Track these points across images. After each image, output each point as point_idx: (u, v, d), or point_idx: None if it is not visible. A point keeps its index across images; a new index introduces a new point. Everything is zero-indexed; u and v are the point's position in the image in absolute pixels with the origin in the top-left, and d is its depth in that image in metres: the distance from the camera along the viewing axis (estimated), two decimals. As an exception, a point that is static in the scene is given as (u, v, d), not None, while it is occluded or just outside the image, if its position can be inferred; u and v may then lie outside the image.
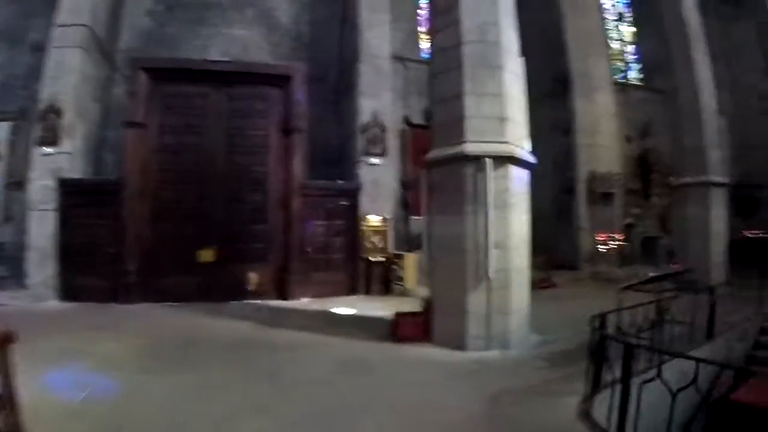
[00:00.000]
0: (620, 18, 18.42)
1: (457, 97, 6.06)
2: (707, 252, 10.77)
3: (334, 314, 8.45)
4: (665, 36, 11.61)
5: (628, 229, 15.17)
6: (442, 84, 6.35)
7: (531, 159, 6.33)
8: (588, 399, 3.98)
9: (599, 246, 13.36)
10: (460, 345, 5.88)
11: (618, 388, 3.51)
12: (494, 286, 5.85)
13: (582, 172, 13.73)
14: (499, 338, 5.91)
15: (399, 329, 6.42)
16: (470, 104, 5.99)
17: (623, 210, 14.88)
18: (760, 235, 15.25)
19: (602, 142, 14.00)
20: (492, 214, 5.79)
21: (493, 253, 5.79)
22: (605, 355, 3.90)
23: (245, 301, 9.22)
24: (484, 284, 5.84)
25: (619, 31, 18.35)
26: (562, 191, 14.13)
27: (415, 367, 5.45)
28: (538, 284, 9.82)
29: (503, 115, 6.00)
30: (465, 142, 5.91)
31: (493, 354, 5.81)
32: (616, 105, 14.96)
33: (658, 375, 3.22)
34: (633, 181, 16.66)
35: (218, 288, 9.24)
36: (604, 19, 16.73)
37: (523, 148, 6.31)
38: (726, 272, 11.01)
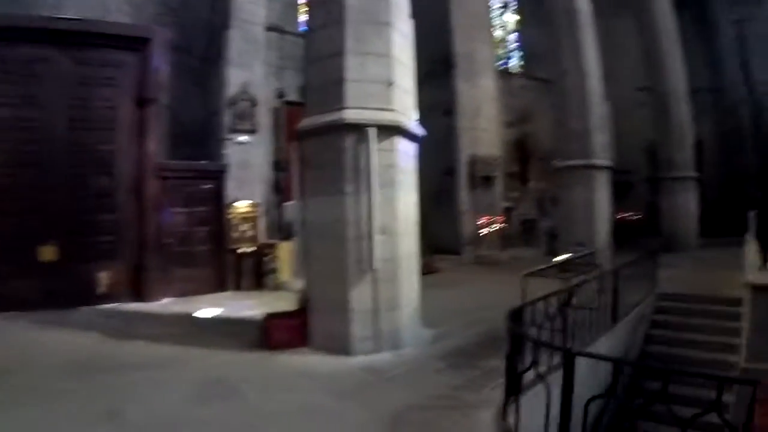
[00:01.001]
0: (505, 6, 18.54)
1: (337, 55, 5.10)
2: (593, 234, 10.86)
3: (198, 318, 7.23)
4: (554, 20, 11.52)
5: (507, 212, 15.34)
6: (319, 41, 5.36)
7: (420, 131, 5.56)
8: (504, 412, 3.26)
9: (481, 229, 13.22)
10: (345, 349, 5.01)
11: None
12: (381, 278, 5.03)
13: (463, 155, 13.47)
14: (390, 338, 5.13)
15: (271, 335, 5.39)
16: (352, 65, 5.05)
17: (503, 193, 14.99)
18: (633, 216, 16.11)
19: (484, 125, 13.83)
20: (376, 194, 4.94)
21: (379, 240, 4.95)
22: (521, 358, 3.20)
23: (97, 307, 7.64)
24: (369, 276, 5.01)
25: (502, 19, 18.46)
26: (442, 174, 13.79)
27: (293, 385, 4.44)
28: (421, 270, 9.48)
29: (390, 80, 5.15)
30: (345, 108, 4.98)
31: (385, 357, 5.01)
32: (497, 90, 14.92)
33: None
34: (512, 165, 16.97)
35: (64, 292, 7.54)
36: (490, 6, 16.66)
37: (412, 119, 5.51)
38: (612, 253, 11.27)
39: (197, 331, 6.38)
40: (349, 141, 4.98)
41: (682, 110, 14.97)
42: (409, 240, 5.41)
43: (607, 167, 11.26)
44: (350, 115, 4.94)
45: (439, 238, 12.76)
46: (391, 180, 5.08)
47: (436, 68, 13.77)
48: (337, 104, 5.02)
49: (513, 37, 18.72)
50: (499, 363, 4.24)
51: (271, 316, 5.58)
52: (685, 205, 14.75)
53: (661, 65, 15.05)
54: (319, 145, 5.25)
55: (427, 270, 10.64)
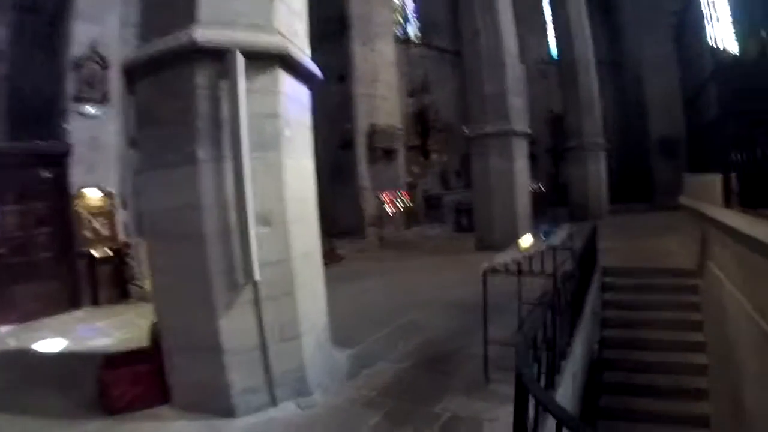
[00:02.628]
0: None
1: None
2: (513, 207, 9.71)
3: (35, 355, 5.08)
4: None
5: (411, 188, 14.07)
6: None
7: (315, 69, 3.74)
8: None
9: (385, 207, 11.74)
10: (222, 407, 3.17)
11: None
12: (266, 294, 3.21)
13: (361, 124, 11.83)
14: (290, 382, 3.36)
15: (110, 393, 3.37)
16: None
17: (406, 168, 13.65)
18: (538, 187, 15.53)
19: (383, 93, 12.28)
20: (250, 159, 3.06)
21: (258, 234, 3.10)
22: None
23: None
24: (248, 293, 3.14)
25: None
26: (338, 147, 12.06)
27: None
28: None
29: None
30: (196, 23, 3.04)
31: (285, 413, 3.24)
32: (396, 57, 13.43)
33: None
34: (412, 139, 15.74)
35: None
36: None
37: (303, 51, 3.67)
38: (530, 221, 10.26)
39: (27, 383, 4.18)
40: (202, 77, 3.07)
41: (591, 77, 14.52)
42: (305, 229, 3.62)
43: (526, 134, 10.15)
44: (205, 35, 3.01)
45: (339, 220, 11.15)
46: (273, 138, 3.23)
47: (330, 29, 11.95)
48: (185, 19, 3.07)
49: (411, 4, 17.43)
50: (464, 400, 3.28)
51: (110, 363, 3.60)
52: (596, 173, 14.29)
53: (570, 33, 14.43)
54: (156, 87, 3.26)
55: (328, 260, 8.97)
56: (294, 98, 3.47)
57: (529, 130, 10.23)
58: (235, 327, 3.12)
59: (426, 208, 15.00)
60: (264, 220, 3.16)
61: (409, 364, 4.02)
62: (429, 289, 6.77)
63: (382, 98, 12.25)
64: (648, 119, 17.60)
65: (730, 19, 8.16)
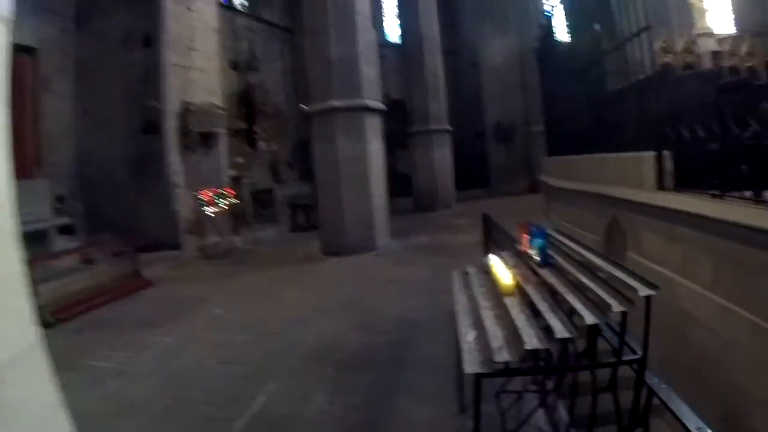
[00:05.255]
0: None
1: None
2: (368, 199, 7.99)
3: None
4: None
5: (235, 182, 11.65)
6: None
7: None
8: None
9: (206, 209, 9.22)
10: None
11: None
12: None
13: (173, 103, 9.05)
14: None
15: None
16: None
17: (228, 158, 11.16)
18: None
19: (201, 64, 9.62)
20: None
21: None
22: None
23: None
24: None
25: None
26: (141, 131, 9.18)
27: None
28: (112, 294, 6.13)
29: None
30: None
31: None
32: (219, 23, 10.83)
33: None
34: (236, 122, 13.26)
35: None
36: None
37: None
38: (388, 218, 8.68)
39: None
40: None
41: (437, 60, 13.57)
42: None
43: (381, 110, 8.46)
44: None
45: (146, 228, 8.43)
46: None
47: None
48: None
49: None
50: None
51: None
52: (442, 159, 13.36)
53: (417, 12, 13.38)
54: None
55: (129, 289, 6.36)
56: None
57: (384, 106, 8.54)
58: None
59: (255, 207, 12.61)
60: None
61: None
62: (276, 326, 4.65)
63: (199, 71, 9.60)
64: (483, 106, 17.45)
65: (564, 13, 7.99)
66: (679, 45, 5.82)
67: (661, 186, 4.49)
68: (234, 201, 10.02)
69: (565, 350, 1.61)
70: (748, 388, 2.43)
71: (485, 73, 17.36)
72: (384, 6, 18.67)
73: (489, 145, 17.46)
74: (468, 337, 1.69)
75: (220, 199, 9.54)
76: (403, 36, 15.01)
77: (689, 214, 3.87)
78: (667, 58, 5.47)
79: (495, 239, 4.05)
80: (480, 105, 17.71)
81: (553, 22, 9.27)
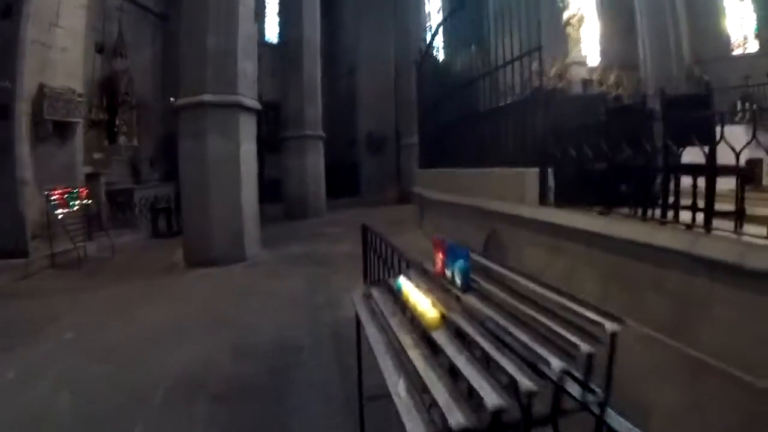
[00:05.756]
0: None
1: None
2: (238, 205, 7.34)
3: None
4: None
5: (92, 180, 10.25)
6: None
7: None
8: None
9: (57, 210, 7.92)
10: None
11: None
12: None
13: (28, 85, 7.73)
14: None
15: None
16: None
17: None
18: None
19: (63, 43, 8.29)
20: None
21: None
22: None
23: None
24: None
25: None
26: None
27: None
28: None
29: None
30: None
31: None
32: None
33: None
34: (96, 112, 11.83)
35: None
36: None
37: None
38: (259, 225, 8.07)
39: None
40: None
41: (316, 63, 13.18)
42: None
43: (256, 110, 7.85)
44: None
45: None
46: None
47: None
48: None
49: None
50: None
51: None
52: (315, 166, 12.99)
53: (301, 11, 12.90)
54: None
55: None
56: None
57: (259, 106, 7.95)
58: None
59: (111, 209, 11.16)
60: None
61: None
62: (137, 352, 3.94)
63: (61, 50, 8.34)
64: (357, 114, 17.44)
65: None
66: (552, 71, 6.20)
67: (543, 201, 4.61)
68: (88, 202, 8.73)
69: (529, 404, 1.36)
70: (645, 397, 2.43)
71: (361, 81, 17.37)
72: (265, 4, 17.94)
73: (360, 154, 17.47)
74: (399, 388, 1.36)
75: (73, 200, 8.23)
76: (281, 36, 14.56)
77: (576, 230, 3.98)
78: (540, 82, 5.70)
79: (377, 253, 3.80)
80: (353, 113, 17.70)
81: (434, 39, 9.57)
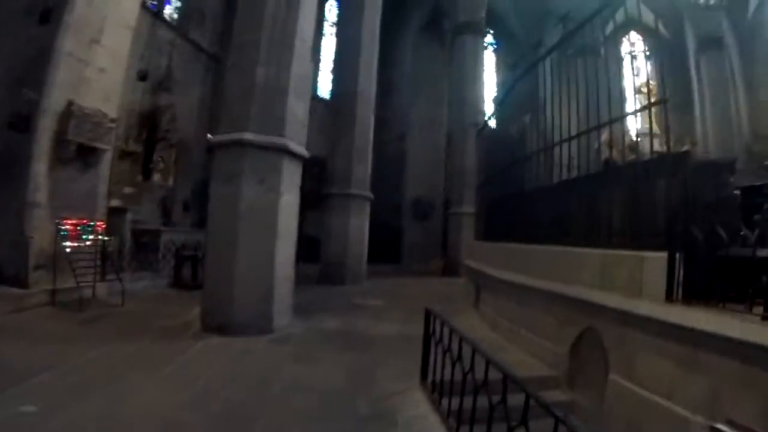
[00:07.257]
0: None
1: None
2: (270, 263, 6.33)
3: None
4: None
5: (115, 215, 9.63)
6: None
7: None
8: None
9: (65, 243, 7.19)
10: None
11: None
12: None
13: (55, 98, 7.13)
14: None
15: None
16: None
17: (111, 184, 9.14)
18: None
19: (102, 62, 7.87)
20: None
21: None
22: None
23: None
24: None
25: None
26: (7, 126, 7.14)
27: None
28: None
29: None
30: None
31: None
32: (139, 24, 9.26)
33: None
34: (131, 143, 11.39)
35: None
36: None
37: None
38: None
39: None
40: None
41: (370, 120, 12.65)
42: None
43: (303, 157, 7.05)
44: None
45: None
46: None
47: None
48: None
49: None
50: None
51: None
52: (359, 228, 12.08)
53: (358, 63, 12.49)
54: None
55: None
56: None
57: (306, 153, 7.15)
58: None
59: (135, 248, 10.48)
60: None
61: None
62: None
63: (98, 70, 7.85)
64: (405, 179, 16.89)
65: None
66: (621, 142, 5.28)
67: (670, 297, 3.52)
68: (105, 238, 8.05)
69: None
70: None
71: (411, 146, 16.93)
72: (320, 58, 17.98)
73: (405, 220, 16.73)
74: None
75: (87, 233, 7.58)
76: (335, 89, 14.17)
77: (726, 339, 2.86)
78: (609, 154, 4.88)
79: (444, 347, 2.83)
80: (400, 178, 17.15)
81: (502, 104, 8.94)
